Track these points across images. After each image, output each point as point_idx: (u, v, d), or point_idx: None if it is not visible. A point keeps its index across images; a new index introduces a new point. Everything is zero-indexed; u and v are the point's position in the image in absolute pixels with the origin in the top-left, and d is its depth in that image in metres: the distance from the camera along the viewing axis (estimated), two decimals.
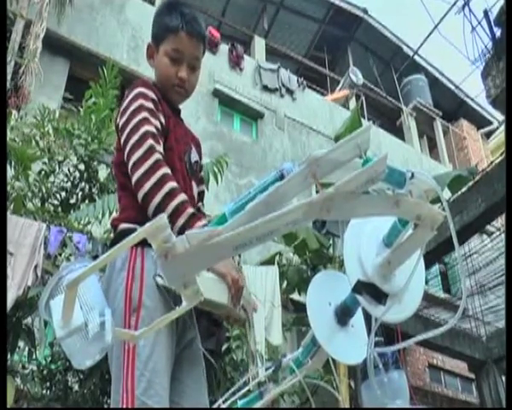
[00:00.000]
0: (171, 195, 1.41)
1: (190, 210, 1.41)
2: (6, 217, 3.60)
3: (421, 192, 0.86)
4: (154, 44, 1.79)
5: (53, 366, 4.43)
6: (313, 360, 1.32)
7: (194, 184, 1.71)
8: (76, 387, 4.48)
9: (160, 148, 1.51)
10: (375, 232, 1.01)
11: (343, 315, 1.21)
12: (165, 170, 1.45)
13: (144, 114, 1.54)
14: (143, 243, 1.32)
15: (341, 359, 1.20)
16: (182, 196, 1.42)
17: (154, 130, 1.52)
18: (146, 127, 1.50)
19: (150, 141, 1.48)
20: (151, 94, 1.62)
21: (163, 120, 1.61)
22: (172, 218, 1.37)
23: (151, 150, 1.46)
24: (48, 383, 4.41)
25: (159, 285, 1.39)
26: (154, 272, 1.40)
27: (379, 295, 0.98)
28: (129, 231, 1.43)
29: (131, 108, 1.57)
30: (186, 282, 0.81)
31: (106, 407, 4.35)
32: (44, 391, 4.39)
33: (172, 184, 1.43)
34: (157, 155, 1.46)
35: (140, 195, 1.44)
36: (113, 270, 1.47)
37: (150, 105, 1.58)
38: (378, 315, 0.99)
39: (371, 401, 1.09)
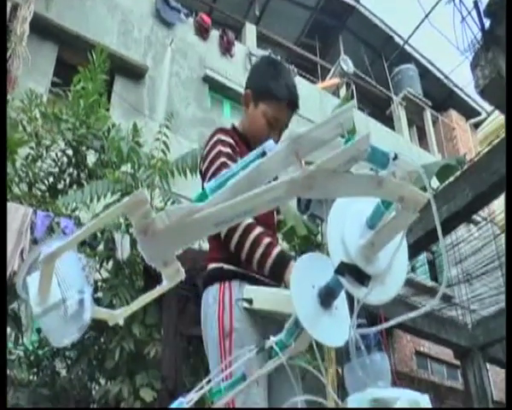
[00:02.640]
0: (247, 230, 1.64)
1: (267, 240, 1.64)
2: (6, 209, 3.54)
3: (404, 174, 0.86)
4: (253, 97, 1.96)
5: (40, 352, 4.43)
6: (296, 343, 1.33)
7: (274, 213, 1.97)
8: (63, 372, 4.48)
9: None
10: (358, 214, 1.01)
11: (327, 297, 1.21)
12: None
13: (222, 160, 1.75)
14: (230, 277, 1.73)
15: (325, 341, 1.20)
16: (258, 229, 1.65)
17: None
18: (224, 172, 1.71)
19: None
20: (229, 139, 1.84)
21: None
22: (252, 249, 1.62)
23: None
24: (35, 369, 4.40)
25: (245, 308, 1.61)
26: (240, 300, 1.63)
27: (361, 277, 0.99)
28: (216, 270, 1.77)
29: (211, 155, 1.80)
30: (166, 260, 0.80)
31: (94, 393, 4.35)
32: (31, 377, 4.39)
33: (248, 220, 1.65)
34: None
35: (222, 234, 1.68)
36: (207, 305, 1.73)
37: (228, 150, 1.80)
38: (360, 296, 0.99)
39: (353, 382, 1.10)
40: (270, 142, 0.84)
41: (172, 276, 0.83)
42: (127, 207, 0.74)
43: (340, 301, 1.21)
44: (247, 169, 0.79)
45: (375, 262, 1.00)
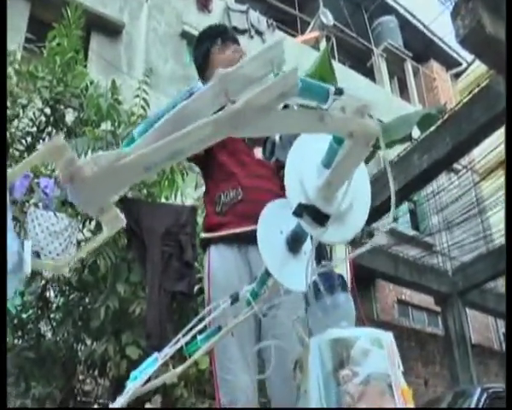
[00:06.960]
0: None
1: None
2: (6, 204, 3.41)
3: (354, 109, 0.83)
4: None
5: (24, 316, 4.41)
6: (269, 291, 1.32)
7: (256, 149, 1.89)
8: (49, 335, 4.48)
9: None
10: (316, 155, 0.99)
11: (294, 243, 1.20)
12: None
13: None
14: (209, 242, 1.85)
15: (292, 287, 1.20)
16: None
17: None
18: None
19: None
20: None
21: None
22: None
23: None
24: (19, 333, 4.39)
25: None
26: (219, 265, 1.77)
27: (320, 218, 0.97)
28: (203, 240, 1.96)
29: None
30: (102, 206, 0.79)
31: (80, 354, 4.36)
32: (16, 341, 4.38)
33: None
34: None
35: None
36: None
37: None
38: (317, 236, 0.99)
39: (315, 324, 1.10)
40: (199, 83, 0.82)
41: (111, 223, 0.81)
42: (45, 154, 0.72)
43: (309, 246, 1.20)
44: (173, 111, 0.77)
45: (334, 202, 0.98)
